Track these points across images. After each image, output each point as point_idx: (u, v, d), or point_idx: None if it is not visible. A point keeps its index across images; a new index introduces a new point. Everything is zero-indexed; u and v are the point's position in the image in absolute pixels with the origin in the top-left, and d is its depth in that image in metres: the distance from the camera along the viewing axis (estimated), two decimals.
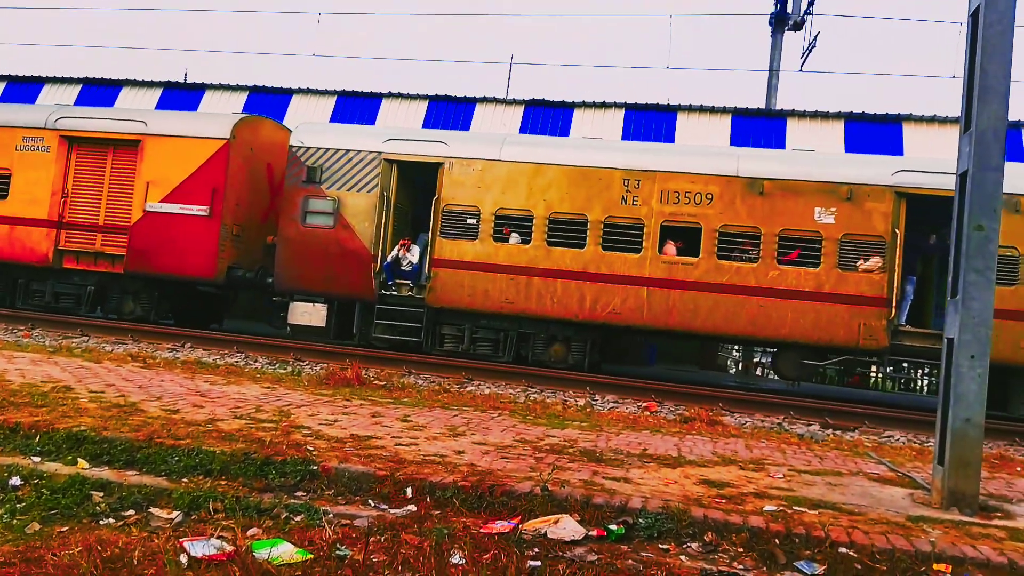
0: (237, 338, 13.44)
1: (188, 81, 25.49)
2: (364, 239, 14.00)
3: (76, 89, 25.64)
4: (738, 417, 10.48)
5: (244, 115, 15.74)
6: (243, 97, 24.74)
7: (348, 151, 14.17)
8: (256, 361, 12.11)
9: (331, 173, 14.15)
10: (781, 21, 23.66)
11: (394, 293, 13.98)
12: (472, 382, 11.70)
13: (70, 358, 9.73)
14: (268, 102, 24.40)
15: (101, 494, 4.57)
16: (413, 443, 6.01)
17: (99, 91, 25.41)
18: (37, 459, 5.03)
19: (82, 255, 15.18)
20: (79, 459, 5.04)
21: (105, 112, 16.29)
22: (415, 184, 14.73)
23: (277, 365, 11.83)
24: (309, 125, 15.59)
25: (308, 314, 14.09)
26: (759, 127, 21.73)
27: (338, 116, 23.60)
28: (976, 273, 5.11)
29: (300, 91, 24.68)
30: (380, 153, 14.06)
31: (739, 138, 21.36)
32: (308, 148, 14.31)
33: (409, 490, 4.79)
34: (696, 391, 11.84)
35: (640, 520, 4.46)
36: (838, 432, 9.81)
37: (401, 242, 14.06)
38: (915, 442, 9.47)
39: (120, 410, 6.32)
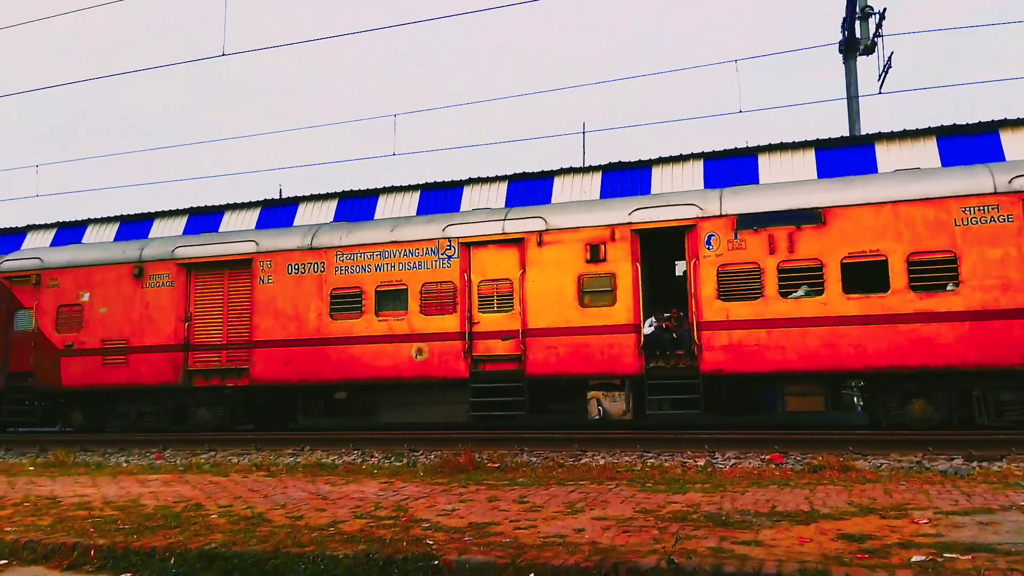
0: (352, 435, 13.70)
1: (283, 196, 26.91)
2: None
3: (183, 220, 27.46)
4: (872, 460, 9.91)
5: None
6: (334, 204, 25.88)
7: None
8: (372, 456, 12.30)
9: None
10: (851, 47, 23.17)
11: None
12: (586, 453, 11.51)
13: (199, 475, 10.12)
14: (356, 206, 25.44)
15: None
16: (532, 525, 5.92)
17: (205, 219, 27.15)
18: None
19: None
20: None
21: None
22: None
23: (392, 458, 11.98)
24: None
25: None
26: (846, 157, 21.08)
27: (423, 208, 24.32)
28: None
29: (385, 190, 25.57)
30: None
31: (826, 170, 20.76)
32: None
33: None
34: (823, 436, 11.29)
35: None
36: (984, 464, 9.15)
37: None
38: None
39: (248, 522, 6.49)
